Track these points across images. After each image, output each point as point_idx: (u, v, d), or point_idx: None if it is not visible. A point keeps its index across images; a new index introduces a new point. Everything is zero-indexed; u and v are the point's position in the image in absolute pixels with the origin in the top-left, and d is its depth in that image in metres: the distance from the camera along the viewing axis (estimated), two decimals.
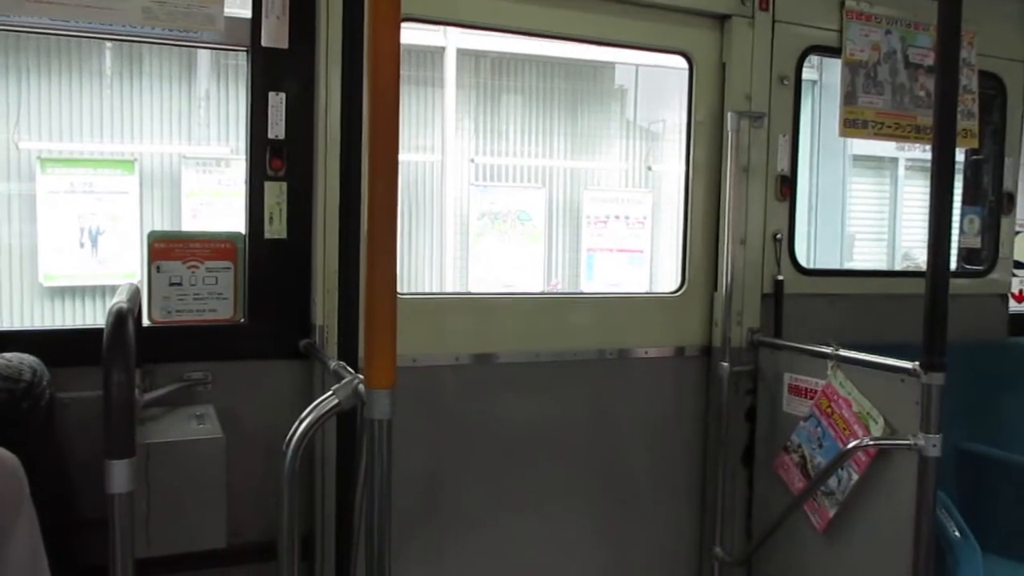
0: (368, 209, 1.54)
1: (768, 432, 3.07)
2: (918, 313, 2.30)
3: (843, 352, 2.70)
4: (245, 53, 2.59)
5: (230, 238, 2.61)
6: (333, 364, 2.18)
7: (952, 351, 2.30)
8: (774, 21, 3.11)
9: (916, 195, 9.60)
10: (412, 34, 5.73)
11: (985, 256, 3.70)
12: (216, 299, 2.58)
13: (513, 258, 7.25)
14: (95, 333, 1.72)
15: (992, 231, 3.69)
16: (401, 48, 1.53)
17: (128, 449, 1.55)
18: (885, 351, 2.59)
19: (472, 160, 7.40)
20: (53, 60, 5.98)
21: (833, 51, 3.23)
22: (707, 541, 3.17)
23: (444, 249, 7.22)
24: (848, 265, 9.04)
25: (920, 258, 2.40)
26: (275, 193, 2.58)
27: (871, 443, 2.50)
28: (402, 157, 1.56)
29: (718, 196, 3.12)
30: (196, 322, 2.56)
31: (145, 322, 2.48)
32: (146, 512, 2.14)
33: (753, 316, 3.12)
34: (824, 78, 8.06)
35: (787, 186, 3.17)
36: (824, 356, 2.75)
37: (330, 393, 1.82)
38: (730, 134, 3.04)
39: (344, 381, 1.83)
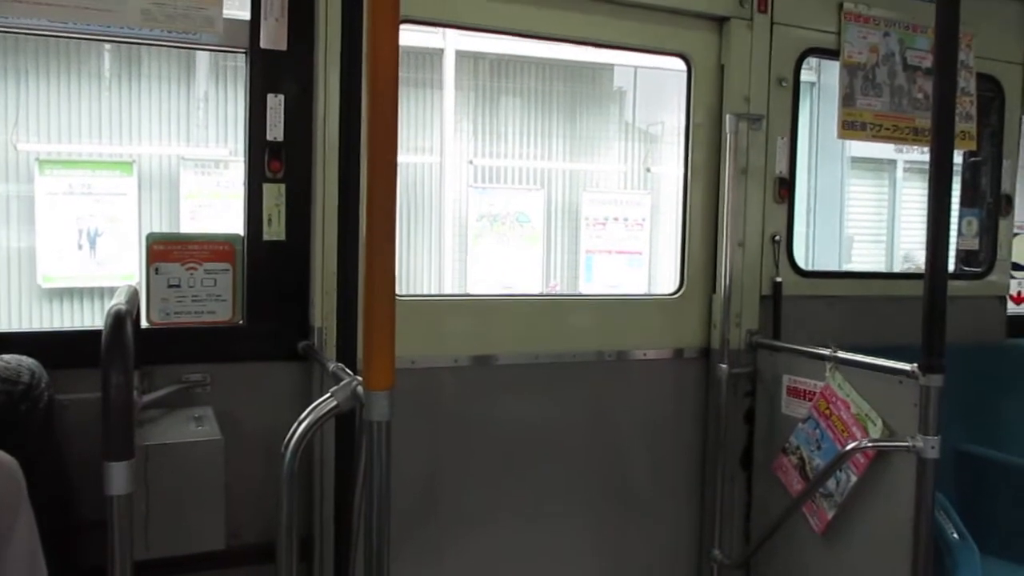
0: (367, 211, 1.54)
1: (767, 434, 3.07)
2: (916, 315, 2.30)
3: (841, 354, 2.70)
4: (244, 55, 2.59)
5: (229, 240, 2.61)
6: (332, 366, 2.18)
7: (950, 353, 2.30)
8: (772, 23, 3.12)
9: (914, 197, 9.61)
10: (411, 36, 5.73)
11: (983, 258, 3.70)
12: (215, 301, 2.58)
13: (512, 260, 7.25)
14: (94, 335, 1.72)
15: (990, 233, 3.69)
16: (400, 50, 1.53)
17: (127, 451, 1.54)
18: (883, 353, 2.59)
19: (471, 162, 7.40)
20: (52, 62, 5.98)
21: (831, 53, 3.23)
22: (706, 543, 3.17)
23: (443, 251, 7.22)
24: (846, 267, 9.05)
25: (921, 259, 2.40)
26: (274, 195, 2.58)
27: (870, 445, 2.50)
28: (401, 159, 1.56)
29: (717, 198, 3.12)
30: (195, 324, 2.56)
31: (144, 324, 2.48)
32: (145, 514, 2.14)
33: (752, 318, 3.13)
34: (822, 80, 8.06)
35: (785, 188, 3.17)
36: (823, 358, 2.75)
37: (329, 395, 1.83)
38: (728, 136, 3.05)
39: (343, 383, 1.83)
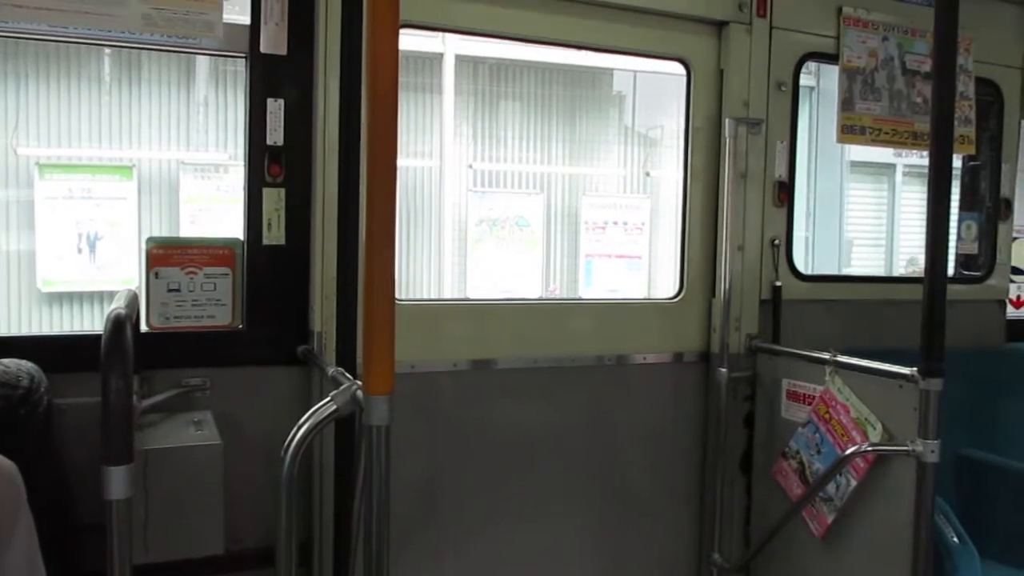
0: (367, 215, 1.54)
1: (766, 438, 3.07)
2: (916, 319, 2.30)
3: (841, 358, 2.70)
4: (244, 59, 2.59)
5: (228, 244, 2.61)
6: (331, 370, 2.18)
7: (950, 357, 2.30)
8: (771, 28, 3.12)
9: (914, 201, 9.62)
10: (411, 40, 5.74)
11: (983, 262, 3.71)
12: (214, 305, 2.58)
13: (511, 264, 7.25)
14: (93, 339, 1.73)
15: (989, 237, 3.69)
16: (399, 54, 1.54)
17: (126, 455, 1.54)
18: (883, 357, 2.59)
19: (470, 166, 7.40)
20: (52, 66, 5.99)
21: (830, 57, 3.24)
22: (706, 547, 3.17)
23: (442, 255, 7.22)
24: (846, 271, 9.05)
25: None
26: (273, 199, 2.58)
27: (869, 449, 2.50)
28: (400, 163, 1.57)
29: (716, 202, 3.13)
30: (194, 328, 2.56)
31: (143, 328, 2.48)
32: (144, 518, 2.14)
33: (751, 322, 3.13)
34: (822, 84, 8.07)
35: (785, 192, 3.18)
36: (822, 362, 2.75)
37: (328, 399, 1.82)
38: (728, 140, 3.05)
39: (342, 387, 1.83)
